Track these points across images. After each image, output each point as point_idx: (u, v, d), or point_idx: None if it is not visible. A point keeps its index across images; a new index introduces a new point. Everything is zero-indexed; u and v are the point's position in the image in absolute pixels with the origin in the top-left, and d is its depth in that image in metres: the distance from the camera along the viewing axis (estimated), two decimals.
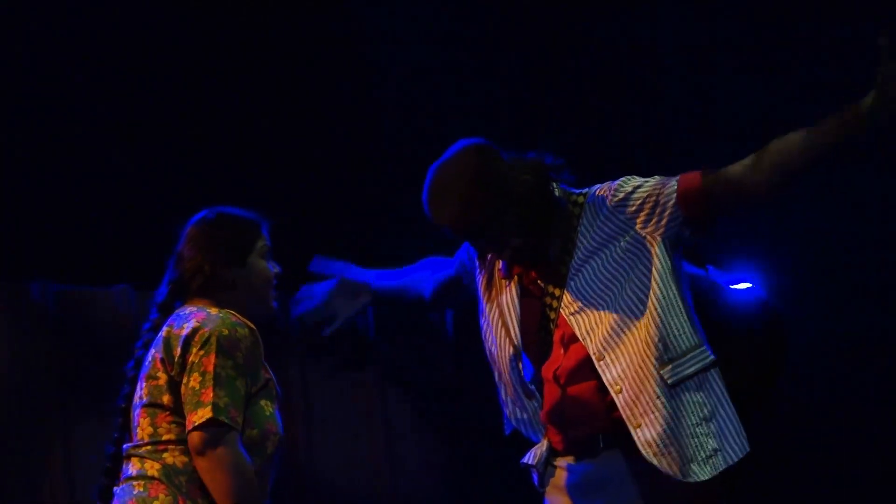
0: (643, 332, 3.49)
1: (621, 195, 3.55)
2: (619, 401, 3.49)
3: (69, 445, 5.48)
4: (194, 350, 3.45)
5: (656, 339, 3.48)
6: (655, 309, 3.50)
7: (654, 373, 3.47)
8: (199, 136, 6.04)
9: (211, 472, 3.39)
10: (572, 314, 3.56)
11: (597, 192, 3.59)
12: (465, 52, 6.43)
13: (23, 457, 5.52)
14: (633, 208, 3.55)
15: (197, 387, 3.41)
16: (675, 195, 3.50)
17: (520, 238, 3.56)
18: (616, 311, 3.52)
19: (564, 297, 3.58)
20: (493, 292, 3.72)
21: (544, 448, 3.67)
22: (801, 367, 6.14)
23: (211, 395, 3.38)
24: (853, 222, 6.23)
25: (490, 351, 3.71)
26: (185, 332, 3.47)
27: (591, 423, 3.56)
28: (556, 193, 3.60)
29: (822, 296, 6.26)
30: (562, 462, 3.64)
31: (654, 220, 3.53)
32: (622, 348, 3.50)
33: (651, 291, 3.51)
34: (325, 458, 6.23)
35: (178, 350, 3.47)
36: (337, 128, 6.42)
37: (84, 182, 5.80)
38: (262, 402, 3.49)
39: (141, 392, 3.53)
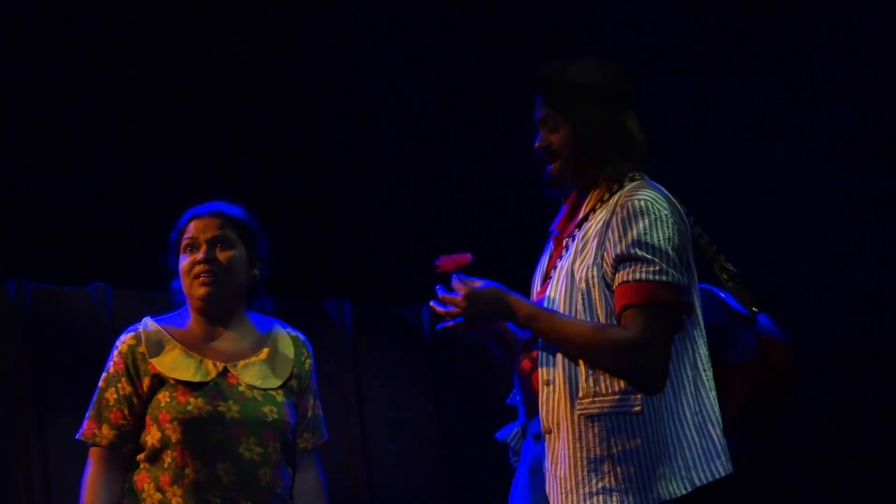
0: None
1: (619, 233, 3.37)
2: (542, 394, 3.39)
3: (44, 443, 5.46)
4: None
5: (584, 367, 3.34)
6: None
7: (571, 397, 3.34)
8: (176, 135, 6.04)
9: None
10: (553, 281, 3.46)
11: (623, 193, 3.43)
12: (464, 51, 6.43)
13: None
14: (609, 250, 3.38)
15: None
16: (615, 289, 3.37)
17: (585, 146, 3.47)
18: (568, 307, 3.39)
19: (559, 263, 3.48)
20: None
21: (519, 425, 3.57)
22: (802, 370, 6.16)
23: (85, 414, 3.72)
24: (851, 223, 6.23)
25: None
26: None
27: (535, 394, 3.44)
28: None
29: (820, 297, 6.27)
30: (529, 438, 3.51)
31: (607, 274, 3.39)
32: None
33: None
34: None
35: None
36: (326, 128, 6.44)
37: (60, 179, 5.79)
38: (158, 396, 3.66)
39: None
